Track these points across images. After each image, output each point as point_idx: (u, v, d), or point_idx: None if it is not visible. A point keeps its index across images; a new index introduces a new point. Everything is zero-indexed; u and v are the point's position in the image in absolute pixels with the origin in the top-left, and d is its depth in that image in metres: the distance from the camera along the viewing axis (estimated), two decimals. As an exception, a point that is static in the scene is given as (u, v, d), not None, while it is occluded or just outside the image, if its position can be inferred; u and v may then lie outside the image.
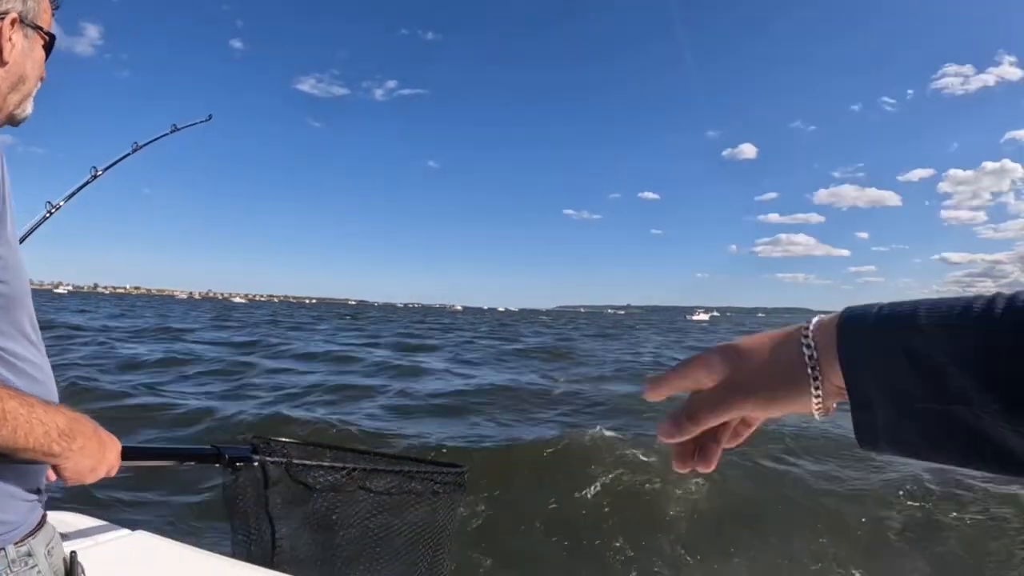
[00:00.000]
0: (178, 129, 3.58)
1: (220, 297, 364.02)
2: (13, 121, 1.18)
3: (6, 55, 1.09)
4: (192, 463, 1.73)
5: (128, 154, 3.29)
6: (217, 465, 1.62)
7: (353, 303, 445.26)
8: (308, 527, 1.71)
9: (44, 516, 1.12)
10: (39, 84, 1.21)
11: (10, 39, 1.09)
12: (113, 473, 1.16)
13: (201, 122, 3.76)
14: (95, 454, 1.08)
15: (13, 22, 1.09)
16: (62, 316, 30.81)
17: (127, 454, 1.21)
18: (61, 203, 2.81)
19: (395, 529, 1.75)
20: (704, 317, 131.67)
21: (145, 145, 3.39)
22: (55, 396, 1.13)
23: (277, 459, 1.65)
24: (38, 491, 1.08)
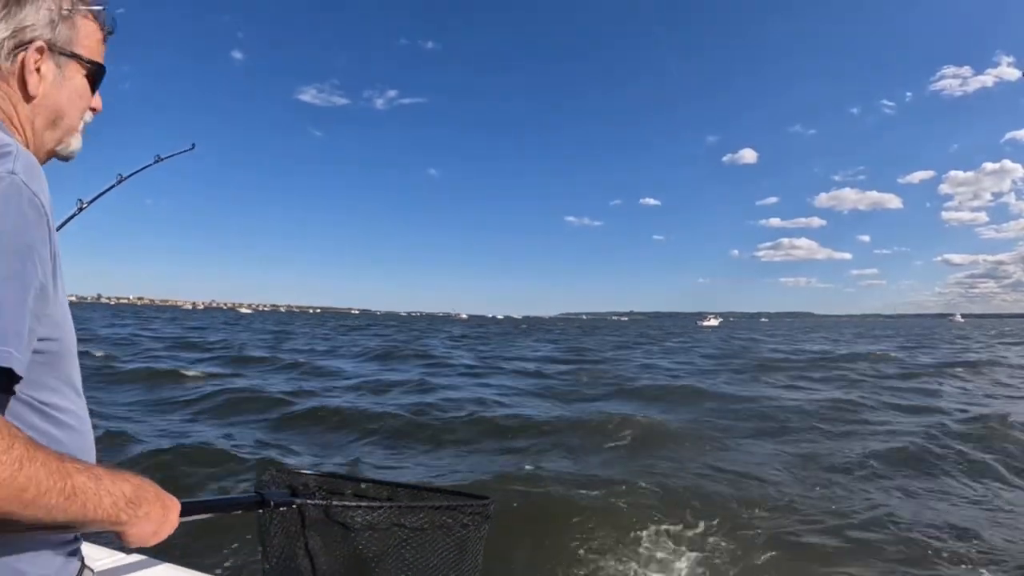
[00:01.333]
0: (162, 159, 3.71)
1: (225, 307, 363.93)
2: (60, 157, 1.12)
3: (32, 88, 1.01)
4: (239, 511, 1.71)
5: (113, 186, 3.42)
6: (261, 511, 1.64)
7: (356, 312, 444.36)
8: (346, 564, 1.72)
9: (82, 565, 1.11)
10: (90, 117, 1.13)
11: (37, 71, 1.00)
12: (172, 531, 1.15)
13: (184, 151, 3.87)
14: (159, 518, 1.06)
15: (40, 51, 1.00)
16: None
17: (184, 510, 1.22)
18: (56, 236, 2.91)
19: (428, 562, 1.76)
20: (715, 323, 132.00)
21: (129, 177, 3.53)
22: (91, 441, 1.11)
23: (318, 502, 1.68)
24: (74, 540, 1.06)
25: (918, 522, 5.72)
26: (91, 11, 1.08)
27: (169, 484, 1.13)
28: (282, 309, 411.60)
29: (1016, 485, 7.15)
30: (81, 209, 3.21)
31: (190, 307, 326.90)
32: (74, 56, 1.05)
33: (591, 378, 17.55)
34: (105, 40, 1.11)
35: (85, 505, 0.89)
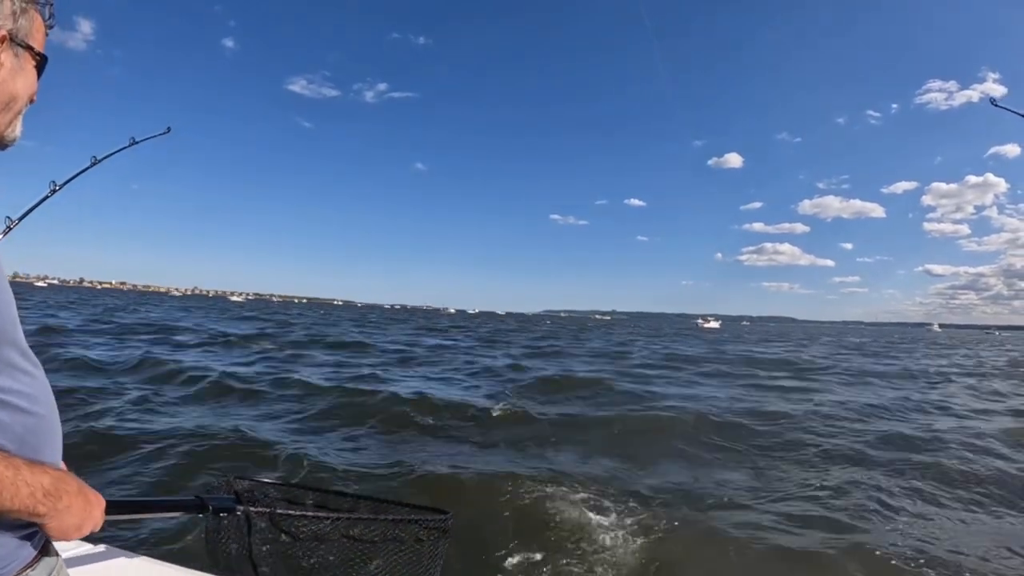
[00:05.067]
0: (137, 142, 3.73)
1: (210, 295, 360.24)
2: (2, 143, 1.13)
3: None
4: (177, 514, 1.75)
5: (87, 168, 3.42)
6: (201, 515, 1.63)
7: (339, 303, 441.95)
8: (291, 574, 1.71)
9: (46, 547, 1.11)
10: (29, 104, 1.16)
11: None
12: (98, 528, 1.15)
13: (160, 135, 3.91)
14: (80, 513, 1.07)
15: (2, 40, 1.04)
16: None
17: (111, 508, 1.22)
18: (18, 220, 2.90)
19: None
20: (715, 324, 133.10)
21: (104, 159, 3.53)
22: (52, 424, 1.12)
23: (261, 509, 1.67)
24: (32, 524, 1.04)
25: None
26: (38, 6, 1.14)
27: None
28: (275, 299, 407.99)
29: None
30: (54, 191, 3.20)
31: (178, 293, 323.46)
32: (28, 48, 1.10)
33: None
34: (47, 33, 1.17)
35: (1, 494, 0.91)
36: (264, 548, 1.69)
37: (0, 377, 0.99)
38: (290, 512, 1.70)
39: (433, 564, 1.81)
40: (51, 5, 1.17)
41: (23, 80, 1.10)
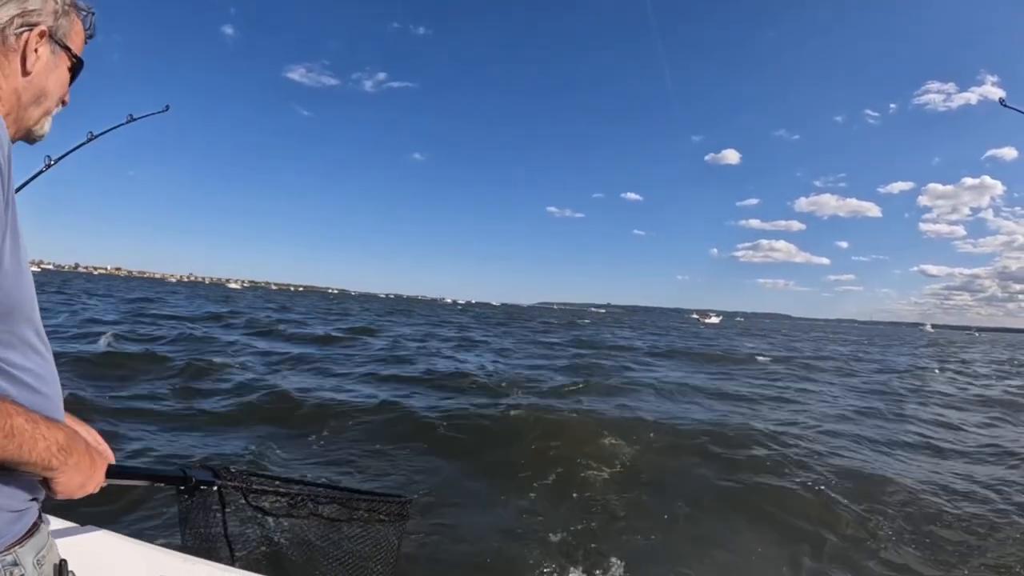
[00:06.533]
0: (134, 119, 3.72)
1: (207, 281, 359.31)
2: (30, 138, 1.18)
3: (29, 66, 1.08)
4: (161, 484, 1.81)
5: (83, 143, 3.40)
6: (182, 487, 1.72)
7: (334, 292, 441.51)
8: (262, 548, 1.84)
9: (36, 524, 1.12)
10: (61, 106, 1.21)
11: (36, 51, 1.09)
12: (97, 489, 1.20)
13: (158, 113, 3.90)
14: (87, 471, 1.12)
15: (41, 35, 1.09)
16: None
17: (108, 471, 1.26)
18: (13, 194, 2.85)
19: (343, 554, 1.90)
20: (716, 320, 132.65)
21: (100, 135, 3.51)
22: (57, 405, 1.14)
23: (236, 484, 1.77)
24: (26, 501, 1.08)
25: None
26: (82, 13, 1.21)
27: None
28: (273, 287, 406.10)
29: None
30: (49, 166, 3.18)
31: (174, 280, 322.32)
32: (66, 48, 1.16)
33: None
34: (86, 42, 1.23)
35: (21, 446, 0.95)
36: (237, 522, 1.81)
37: (14, 353, 1.02)
38: (264, 487, 1.84)
39: (394, 545, 1.99)
40: (93, 15, 1.23)
41: (56, 78, 1.15)
